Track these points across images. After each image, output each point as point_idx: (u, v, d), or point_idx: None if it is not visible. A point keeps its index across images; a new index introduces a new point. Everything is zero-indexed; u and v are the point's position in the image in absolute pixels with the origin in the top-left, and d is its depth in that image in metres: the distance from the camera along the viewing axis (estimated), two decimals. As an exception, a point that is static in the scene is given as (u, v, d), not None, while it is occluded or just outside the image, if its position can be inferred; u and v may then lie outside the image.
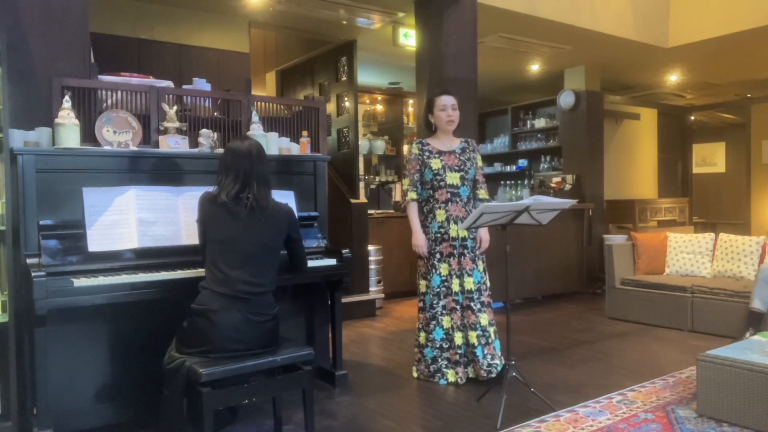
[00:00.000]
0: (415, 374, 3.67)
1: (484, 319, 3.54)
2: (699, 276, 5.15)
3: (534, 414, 3.01)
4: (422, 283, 3.64)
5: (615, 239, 6.00)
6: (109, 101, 3.27)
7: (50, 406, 2.62)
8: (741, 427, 2.80)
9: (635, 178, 9.33)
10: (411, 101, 8.19)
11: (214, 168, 2.69)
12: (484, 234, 3.61)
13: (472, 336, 3.52)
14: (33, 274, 2.46)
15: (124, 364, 2.94)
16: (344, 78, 6.39)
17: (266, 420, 2.95)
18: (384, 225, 6.31)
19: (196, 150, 3.22)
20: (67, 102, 2.87)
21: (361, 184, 6.79)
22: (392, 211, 6.82)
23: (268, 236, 2.54)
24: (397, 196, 7.50)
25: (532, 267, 6.21)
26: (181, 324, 2.50)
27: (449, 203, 3.55)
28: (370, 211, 6.09)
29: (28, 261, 2.59)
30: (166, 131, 3.24)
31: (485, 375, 3.48)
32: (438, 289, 3.57)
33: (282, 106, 4.19)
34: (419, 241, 3.57)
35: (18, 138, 2.79)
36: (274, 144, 3.53)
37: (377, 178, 7.84)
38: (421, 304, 3.65)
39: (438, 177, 3.56)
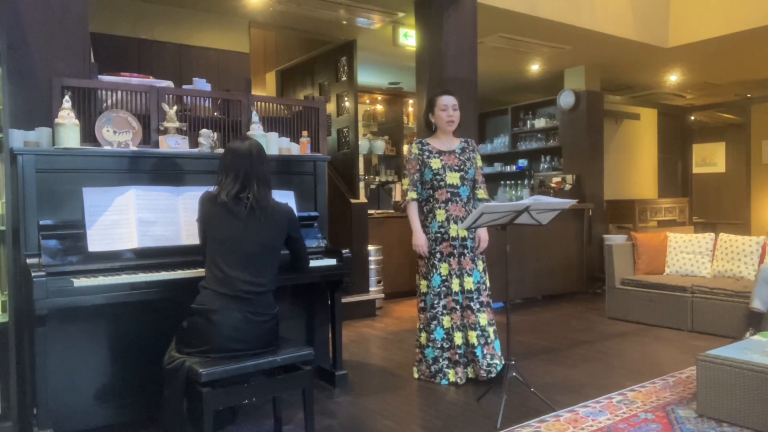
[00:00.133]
0: (416, 375, 3.67)
1: (484, 319, 3.55)
2: (699, 276, 5.15)
3: (534, 414, 3.01)
4: (423, 283, 3.64)
5: (615, 239, 6.00)
6: (109, 101, 3.27)
7: (50, 406, 2.62)
8: (741, 427, 2.80)
9: (635, 178, 9.32)
10: (411, 101, 8.18)
11: (214, 168, 2.69)
12: (483, 234, 3.61)
13: (472, 336, 3.52)
14: (33, 274, 2.46)
15: (124, 364, 2.94)
16: (344, 78, 6.39)
17: (266, 420, 2.95)
18: (384, 225, 6.31)
19: (196, 150, 3.22)
20: (67, 102, 2.87)
21: (361, 184, 6.79)
22: (392, 211, 6.82)
23: (268, 236, 2.54)
24: (397, 196, 7.49)
25: (532, 267, 6.21)
26: (181, 324, 2.50)
27: (449, 203, 3.55)
28: (370, 211, 6.09)
29: (28, 261, 2.59)
30: (166, 131, 3.24)
31: (485, 375, 3.48)
32: (439, 289, 3.57)
33: (282, 106, 4.19)
34: (420, 240, 3.57)
35: (18, 138, 2.79)
36: (274, 144, 3.53)
37: (377, 178, 7.83)
38: (421, 304, 3.65)
39: (438, 177, 3.56)
